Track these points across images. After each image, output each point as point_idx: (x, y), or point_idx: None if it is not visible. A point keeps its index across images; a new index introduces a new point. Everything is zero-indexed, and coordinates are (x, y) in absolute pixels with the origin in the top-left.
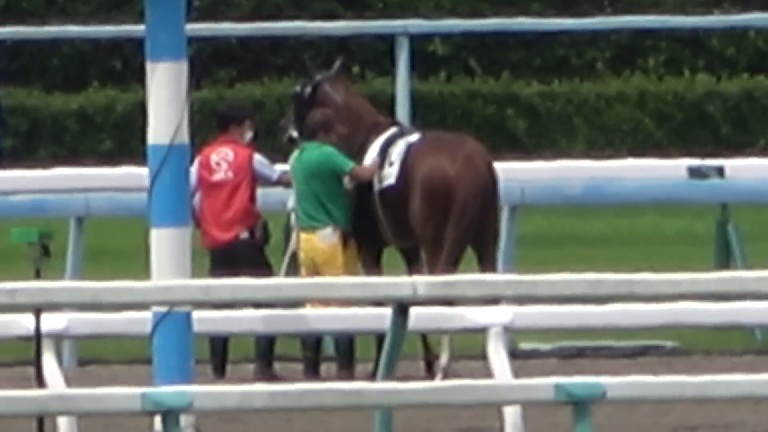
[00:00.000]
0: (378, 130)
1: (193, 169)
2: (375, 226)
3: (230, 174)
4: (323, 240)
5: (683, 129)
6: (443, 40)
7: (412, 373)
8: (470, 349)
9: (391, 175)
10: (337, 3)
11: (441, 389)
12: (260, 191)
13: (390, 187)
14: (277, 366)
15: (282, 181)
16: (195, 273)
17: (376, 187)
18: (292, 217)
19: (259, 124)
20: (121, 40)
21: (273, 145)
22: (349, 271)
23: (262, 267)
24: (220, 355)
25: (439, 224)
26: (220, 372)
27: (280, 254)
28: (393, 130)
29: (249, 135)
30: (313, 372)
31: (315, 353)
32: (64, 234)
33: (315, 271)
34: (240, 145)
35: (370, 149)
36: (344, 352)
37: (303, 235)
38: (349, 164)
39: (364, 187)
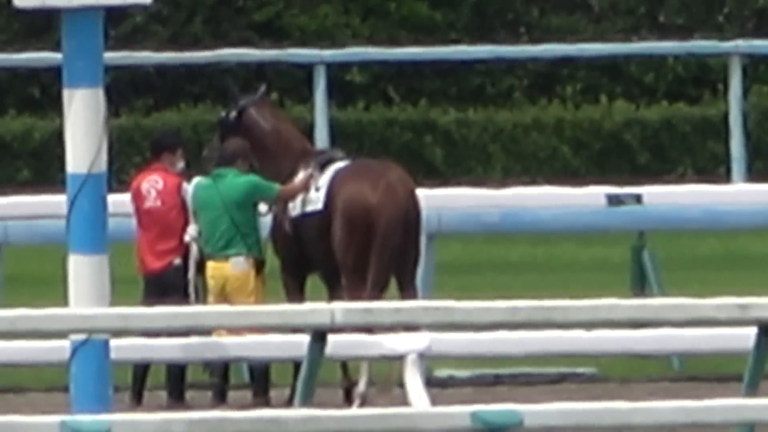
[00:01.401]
0: (307, 156)
1: (129, 197)
2: (299, 252)
3: (158, 202)
4: (235, 267)
5: (601, 157)
6: (361, 69)
7: (330, 400)
8: (387, 375)
9: (318, 200)
10: (254, 32)
11: (358, 417)
12: None
13: (315, 213)
14: (189, 394)
15: None
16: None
17: (301, 210)
18: (194, 246)
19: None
20: (39, 67)
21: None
22: (259, 298)
23: (187, 295)
24: (140, 382)
25: (359, 251)
26: (137, 399)
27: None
28: (323, 155)
29: (181, 164)
30: (220, 398)
31: (222, 380)
32: None
33: (224, 298)
34: (169, 174)
35: (298, 176)
36: (259, 379)
37: (212, 264)
38: (274, 188)
39: (290, 212)
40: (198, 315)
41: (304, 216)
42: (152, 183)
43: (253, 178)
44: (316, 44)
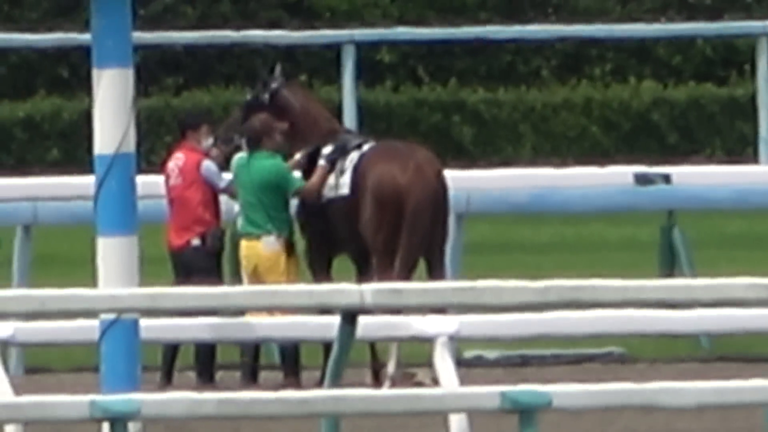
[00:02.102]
0: (333, 137)
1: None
2: (326, 234)
3: (179, 180)
4: (267, 247)
5: (630, 137)
6: (390, 49)
7: (359, 381)
8: (417, 357)
9: (344, 184)
10: (284, 11)
11: (388, 397)
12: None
13: (342, 197)
14: (219, 374)
15: (228, 191)
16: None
17: (329, 195)
18: (239, 223)
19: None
20: (68, 48)
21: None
22: (291, 279)
23: (212, 275)
24: (169, 363)
25: (389, 232)
26: (166, 379)
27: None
28: (343, 138)
29: (208, 141)
30: (250, 379)
31: (253, 360)
32: (11, 242)
33: (257, 278)
34: (193, 151)
35: (319, 158)
36: (290, 360)
37: (246, 243)
38: (296, 184)
39: (317, 194)
40: (227, 295)
41: (332, 200)
42: (176, 161)
43: (279, 166)
44: (346, 24)
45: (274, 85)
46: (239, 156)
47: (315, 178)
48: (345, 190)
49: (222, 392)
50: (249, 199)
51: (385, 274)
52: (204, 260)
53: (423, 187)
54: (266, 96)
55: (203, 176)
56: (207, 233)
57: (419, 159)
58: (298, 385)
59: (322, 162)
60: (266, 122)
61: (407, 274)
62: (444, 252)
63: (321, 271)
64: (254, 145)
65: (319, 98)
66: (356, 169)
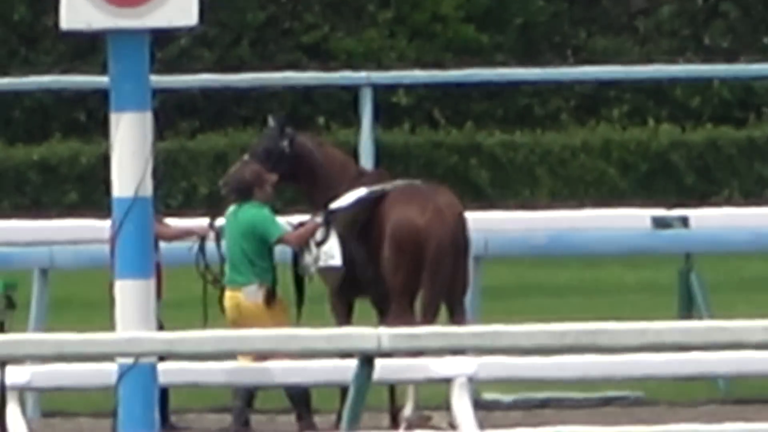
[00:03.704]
0: (364, 180)
1: None
2: (348, 275)
3: None
4: (248, 297)
5: (647, 179)
6: (407, 91)
7: (376, 425)
8: (434, 400)
9: (333, 254)
10: (301, 53)
11: None
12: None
13: (365, 236)
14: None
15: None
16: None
17: (321, 264)
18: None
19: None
20: (85, 91)
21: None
22: (277, 326)
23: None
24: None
25: (407, 275)
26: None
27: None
28: (375, 180)
29: None
30: (241, 424)
31: (245, 404)
32: (28, 285)
33: (238, 327)
34: None
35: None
36: (299, 403)
37: (229, 293)
38: (277, 233)
39: (344, 235)
40: (245, 339)
41: (359, 241)
42: None
43: (260, 214)
44: (363, 67)
45: (289, 132)
46: (230, 208)
47: (304, 231)
48: (335, 261)
49: None
50: (233, 249)
51: (402, 317)
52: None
53: (443, 230)
54: (285, 143)
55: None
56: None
57: (439, 201)
58: (312, 427)
59: (319, 219)
60: (258, 173)
61: (431, 319)
62: (465, 296)
63: (342, 313)
64: (244, 196)
65: (336, 140)
66: (378, 211)
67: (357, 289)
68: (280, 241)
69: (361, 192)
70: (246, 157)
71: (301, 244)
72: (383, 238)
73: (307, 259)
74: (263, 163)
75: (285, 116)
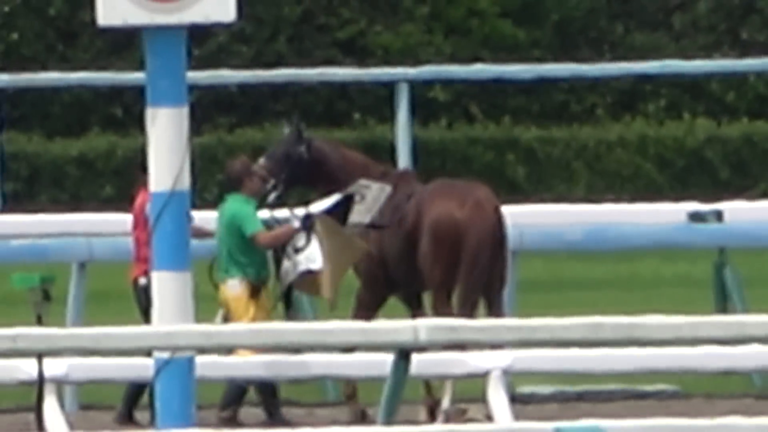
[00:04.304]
0: (387, 179)
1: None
2: (381, 271)
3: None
4: (229, 290)
5: (683, 174)
6: (443, 87)
7: (413, 418)
8: (470, 393)
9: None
10: (338, 50)
11: None
12: None
13: (401, 233)
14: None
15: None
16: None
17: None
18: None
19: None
20: (121, 86)
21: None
22: (258, 321)
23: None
24: (130, 401)
25: (446, 268)
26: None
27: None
28: (398, 179)
29: None
30: (278, 417)
31: (271, 396)
32: (65, 279)
33: (227, 321)
34: (146, 191)
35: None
36: (268, 397)
37: (220, 286)
38: (251, 229)
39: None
40: (281, 332)
41: (387, 235)
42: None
43: (242, 209)
44: (399, 62)
45: (306, 137)
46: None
47: (279, 233)
48: (316, 265)
49: (277, 429)
50: (219, 243)
51: (441, 309)
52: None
53: (482, 224)
54: (303, 148)
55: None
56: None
57: (478, 195)
58: (283, 421)
59: (296, 224)
60: (247, 165)
61: (470, 312)
62: (503, 290)
63: (365, 307)
64: (234, 186)
65: (372, 137)
66: (415, 207)
67: (390, 286)
68: (253, 238)
69: (337, 195)
70: (261, 160)
71: (272, 246)
72: (420, 232)
73: (286, 265)
74: (281, 168)
75: (300, 121)
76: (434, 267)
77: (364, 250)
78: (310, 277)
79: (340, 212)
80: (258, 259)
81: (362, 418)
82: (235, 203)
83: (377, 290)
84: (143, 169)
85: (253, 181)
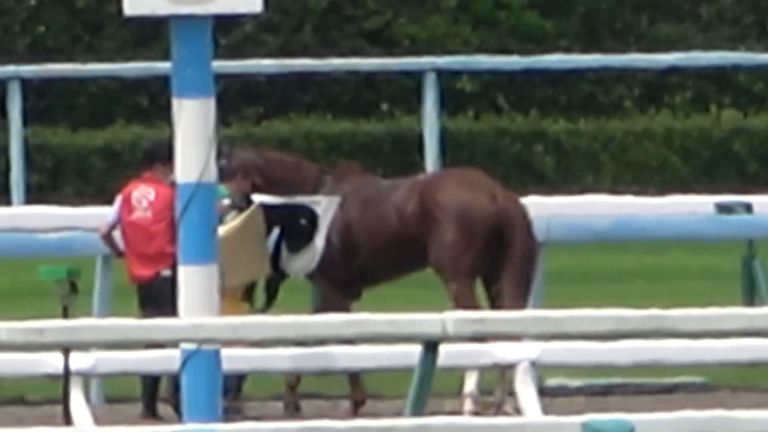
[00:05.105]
0: (331, 175)
1: (115, 206)
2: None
3: (149, 213)
4: None
5: (710, 166)
6: (471, 78)
7: (440, 410)
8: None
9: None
10: (364, 40)
11: (470, 426)
12: None
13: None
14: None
15: None
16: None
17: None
18: None
19: None
20: (147, 77)
21: None
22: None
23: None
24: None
25: (476, 257)
26: (151, 412)
27: None
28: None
29: (172, 176)
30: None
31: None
32: (91, 271)
33: None
34: (162, 185)
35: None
36: (233, 390)
37: None
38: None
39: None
40: (308, 324)
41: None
42: (144, 193)
43: None
44: (426, 53)
45: (224, 149)
46: None
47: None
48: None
49: (303, 421)
50: None
51: (467, 300)
52: (175, 290)
53: (520, 213)
54: (223, 162)
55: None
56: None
57: (495, 185)
58: (238, 412)
59: (226, 202)
60: (244, 160)
61: (524, 303)
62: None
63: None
64: (223, 180)
65: (399, 128)
66: (422, 195)
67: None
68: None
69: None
70: (222, 161)
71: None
72: (435, 222)
73: None
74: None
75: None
76: (462, 257)
77: (261, 275)
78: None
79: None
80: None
81: (295, 410)
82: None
83: (345, 285)
84: (160, 156)
85: (245, 181)
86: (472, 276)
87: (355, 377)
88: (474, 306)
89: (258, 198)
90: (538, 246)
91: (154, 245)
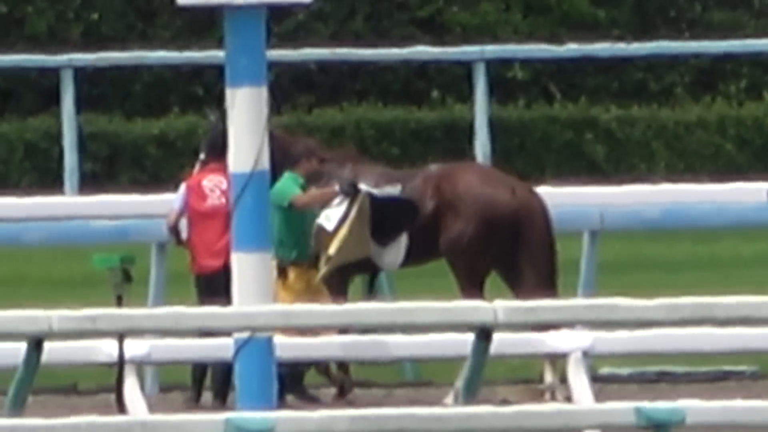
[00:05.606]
0: (337, 158)
1: (180, 195)
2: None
3: (223, 200)
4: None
5: (764, 154)
6: (522, 66)
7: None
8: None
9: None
10: (416, 28)
11: (523, 413)
12: None
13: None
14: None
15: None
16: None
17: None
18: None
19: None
20: (202, 65)
21: None
22: (281, 301)
23: None
24: (199, 382)
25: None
26: (196, 398)
27: None
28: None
29: None
30: (221, 400)
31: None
32: (146, 259)
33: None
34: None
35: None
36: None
37: None
38: (288, 196)
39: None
40: (360, 312)
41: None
42: (215, 182)
43: (279, 185)
44: (477, 41)
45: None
46: None
47: (317, 193)
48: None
49: (355, 409)
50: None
51: (473, 294)
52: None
53: (540, 206)
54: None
55: None
56: None
57: (518, 182)
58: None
59: (337, 188)
60: (310, 147)
61: (554, 290)
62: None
63: (340, 289)
64: (291, 166)
65: (451, 116)
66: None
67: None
68: (291, 206)
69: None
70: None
71: (308, 206)
72: (457, 213)
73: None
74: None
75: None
76: (478, 251)
77: (366, 255)
78: (322, 232)
79: (386, 212)
80: (289, 241)
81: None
82: (282, 180)
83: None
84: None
85: (311, 162)
86: (485, 270)
87: (344, 365)
88: (481, 299)
89: (363, 186)
90: (554, 236)
91: (227, 235)
